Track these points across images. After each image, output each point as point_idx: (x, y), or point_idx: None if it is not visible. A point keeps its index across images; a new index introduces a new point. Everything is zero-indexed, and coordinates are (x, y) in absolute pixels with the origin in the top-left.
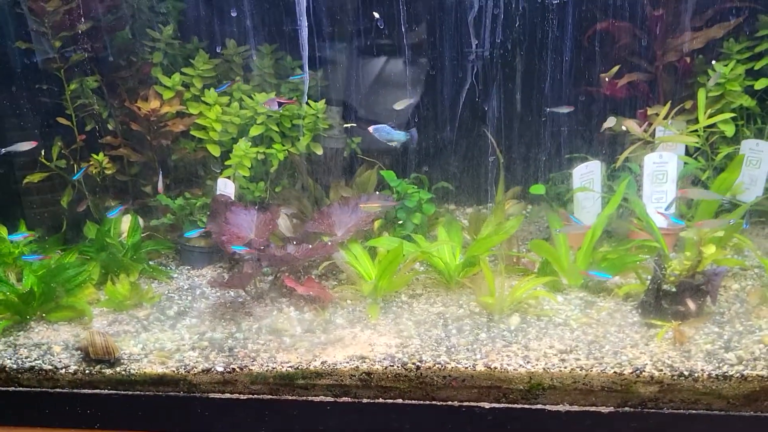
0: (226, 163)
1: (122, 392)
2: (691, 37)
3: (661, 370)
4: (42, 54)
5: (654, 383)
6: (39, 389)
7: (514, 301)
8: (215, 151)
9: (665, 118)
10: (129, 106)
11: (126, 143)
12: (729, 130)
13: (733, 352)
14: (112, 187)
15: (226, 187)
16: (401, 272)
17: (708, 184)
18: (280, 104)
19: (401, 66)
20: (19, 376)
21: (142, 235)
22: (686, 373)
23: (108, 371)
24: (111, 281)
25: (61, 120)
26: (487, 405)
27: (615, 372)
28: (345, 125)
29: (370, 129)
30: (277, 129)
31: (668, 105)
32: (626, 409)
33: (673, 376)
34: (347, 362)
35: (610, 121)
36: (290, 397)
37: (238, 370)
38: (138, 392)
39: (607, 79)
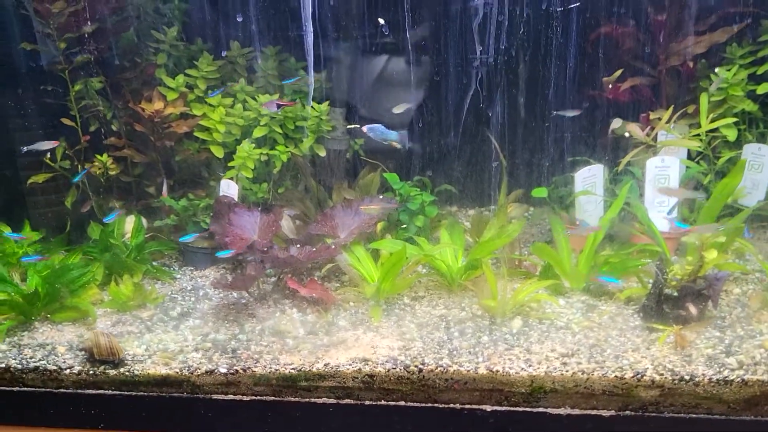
0: (230, 164)
1: (126, 393)
2: (695, 41)
3: (662, 375)
4: (47, 55)
5: (655, 387)
6: (43, 389)
7: (517, 304)
8: (219, 152)
9: (668, 122)
10: (133, 107)
11: (130, 144)
12: (731, 135)
13: (734, 357)
14: (115, 187)
15: (229, 188)
16: (404, 275)
17: (710, 188)
18: (279, 106)
19: (405, 69)
20: (24, 376)
21: (146, 236)
22: (687, 377)
23: (112, 372)
24: (114, 282)
25: (66, 121)
26: (488, 408)
27: (616, 376)
28: (348, 126)
29: (364, 128)
30: (280, 131)
31: (671, 109)
32: (627, 412)
33: (674, 380)
34: (350, 364)
35: (616, 122)
36: (293, 399)
37: (241, 371)
38: (142, 393)
39: (610, 85)
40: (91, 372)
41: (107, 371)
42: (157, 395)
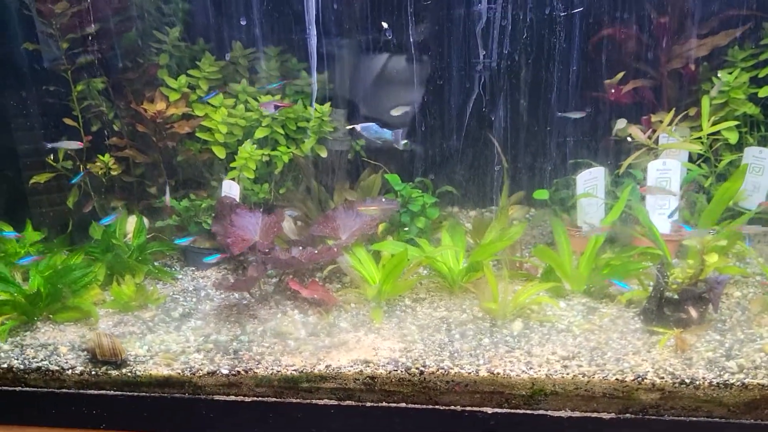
0: (231, 165)
1: (128, 393)
2: (697, 44)
3: (663, 378)
4: (49, 55)
5: (655, 390)
6: (45, 389)
7: (517, 306)
8: (221, 153)
9: (669, 124)
10: (135, 107)
11: (132, 144)
12: (733, 138)
13: (734, 361)
14: (117, 187)
15: (231, 188)
16: (405, 276)
17: (711, 191)
18: (276, 107)
19: (406, 71)
20: (26, 376)
21: (148, 236)
22: (687, 380)
23: (114, 372)
24: (116, 282)
25: (68, 121)
26: (489, 410)
27: (617, 379)
28: (348, 127)
29: (357, 127)
30: (282, 131)
31: (672, 112)
32: (628, 415)
33: (674, 383)
34: (351, 366)
35: (621, 123)
36: (294, 400)
37: (243, 372)
38: (143, 393)
39: (612, 90)
40: (93, 372)
41: (109, 372)
42: (158, 396)
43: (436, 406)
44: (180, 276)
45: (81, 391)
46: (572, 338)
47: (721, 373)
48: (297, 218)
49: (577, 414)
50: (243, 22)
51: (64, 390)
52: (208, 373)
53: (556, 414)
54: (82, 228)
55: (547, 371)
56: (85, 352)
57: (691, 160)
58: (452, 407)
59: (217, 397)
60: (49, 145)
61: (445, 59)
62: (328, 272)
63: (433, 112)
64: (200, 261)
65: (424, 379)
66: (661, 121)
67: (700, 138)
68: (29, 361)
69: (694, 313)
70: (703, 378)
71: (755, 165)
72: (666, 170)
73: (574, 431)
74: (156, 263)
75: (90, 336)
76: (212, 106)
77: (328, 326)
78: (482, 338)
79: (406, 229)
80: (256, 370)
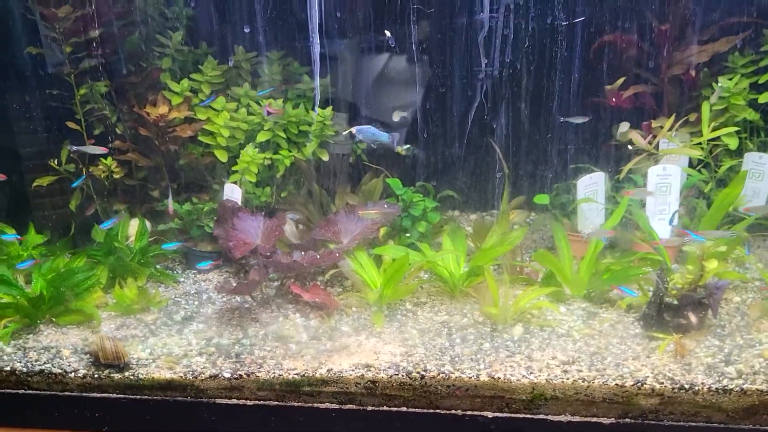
0: (234, 168)
1: (130, 396)
2: (697, 50)
3: (662, 383)
4: (52, 59)
5: (655, 395)
6: (48, 392)
7: (518, 311)
8: (223, 156)
9: (669, 130)
10: (138, 111)
11: (134, 148)
12: (732, 143)
13: (733, 366)
14: (120, 191)
15: (232, 192)
16: (406, 281)
17: (711, 197)
18: (269, 113)
19: (409, 76)
20: (29, 379)
21: (150, 239)
22: (687, 386)
23: (116, 376)
24: (119, 285)
25: (71, 124)
26: (490, 414)
27: (617, 384)
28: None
29: (353, 130)
30: (284, 135)
31: (672, 117)
32: (627, 420)
33: (673, 388)
34: (352, 370)
35: (624, 126)
36: (296, 404)
37: (245, 376)
38: (146, 396)
39: (613, 97)
40: (95, 375)
41: (112, 375)
42: (161, 399)
43: (437, 411)
44: (182, 279)
45: (83, 394)
46: (572, 343)
47: (720, 378)
48: (298, 222)
49: (577, 419)
50: (247, 30)
51: (66, 393)
52: (211, 377)
53: (556, 418)
54: (84, 231)
55: (548, 376)
56: (88, 355)
57: (691, 165)
58: (453, 411)
59: (219, 401)
60: (74, 149)
61: (447, 67)
62: (329, 276)
63: (435, 118)
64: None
65: (425, 383)
66: (661, 127)
67: (700, 143)
68: (32, 364)
69: (693, 318)
70: (702, 383)
71: (755, 170)
72: (666, 175)
73: None
74: (158, 266)
75: (93, 339)
76: (214, 110)
77: (329, 330)
78: (483, 343)
79: (408, 234)
80: (258, 374)
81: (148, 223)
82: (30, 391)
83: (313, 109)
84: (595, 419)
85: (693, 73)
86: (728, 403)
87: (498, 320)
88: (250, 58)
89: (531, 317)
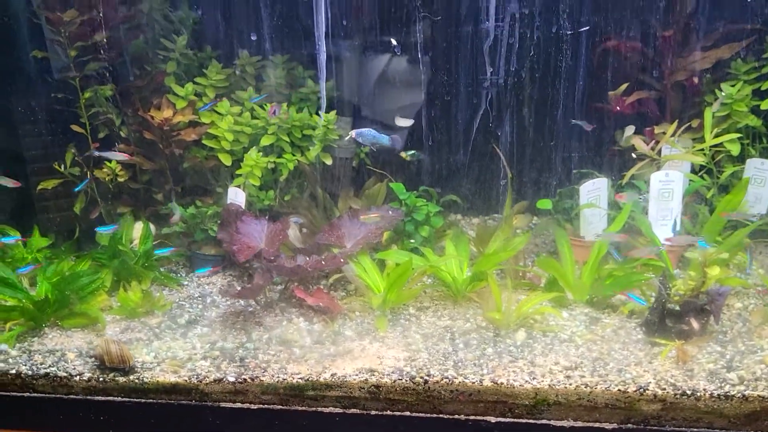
0: (237, 172)
1: (135, 400)
2: (700, 57)
3: (664, 389)
4: (58, 63)
5: (657, 401)
6: (53, 395)
7: (521, 316)
8: (227, 160)
9: (672, 136)
10: (142, 115)
11: (139, 151)
12: (735, 150)
13: (735, 372)
14: (124, 194)
15: (236, 196)
16: (409, 285)
17: (713, 202)
18: (273, 112)
19: (414, 81)
20: (34, 382)
21: (154, 242)
22: (689, 392)
23: (121, 379)
24: (123, 288)
25: (76, 128)
26: (492, 419)
27: (619, 390)
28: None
29: (352, 134)
30: (287, 139)
31: (675, 123)
32: (629, 425)
33: (675, 394)
34: (356, 375)
35: (629, 130)
36: (300, 408)
37: (249, 380)
38: (151, 400)
39: (618, 107)
40: (100, 379)
41: (117, 378)
42: (165, 402)
43: (440, 415)
44: (186, 282)
45: (88, 397)
46: (575, 348)
47: (722, 384)
48: (302, 225)
49: (579, 424)
50: (253, 37)
51: (71, 396)
52: (215, 381)
53: (559, 423)
54: (89, 234)
55: (550, 381)
56: (93, 359)
57: (693, 170)
58: (456, 416)
59: (223, 404)
60: (96, 153)
61: (453, 75)
62: (333, 280)
63: (440, 125)
64: (206, 267)
65: (429, 388)
66: (664, 133)
67: (702, 149)
68: (37, 367)
69: (695, 324)
70: (704, 389)
71: (757, 176)
72: (669, 181)
73: None
74: (162, 269)
75: (98, 342)
76: (218, 113)
77: (333, 334)
78: (486, 348)
79: (412, 240)
80: (262, 378)
81: (152, 226)
82: (35, 394)
83: (317, 113)
84: (597, 425)
85: (696, 79)
86: (730, 410)
87: (501, 325)
88: (254, 62)
89: (534, 322)
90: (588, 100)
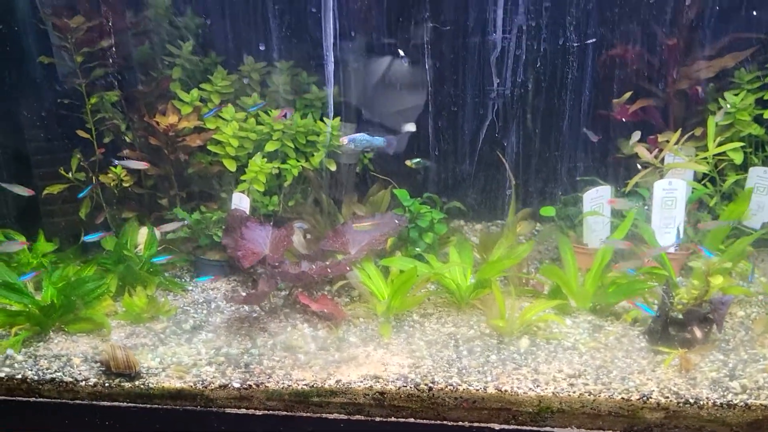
0: (242, 177)
1: (140, 405)
2: (704, 66)
3: (667, 397)
4: (64, 69)
5: (660, 409)
6: (59, 400)
7: (524, 323)
8: (231, 165)
9: (675, 144)
10: (148, 120)
11: (144, 157)
12: (738, 158)
13: (738, 381)
14: (129, 199)
15: (241, 201)
16: (413, 292)
17: (716, 210)
18: (285, 115)
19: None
20: (40, 387)
21: (158, 247)
22: (692, 400)
23: (127, 384)
24: (128, 294)
25: (81, 133)
26: (496, 426)
27: (622, 398)
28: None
29: (344, 140)
30: (292, 145)
31: (679, 132)
32: None
33: (678, 403)
34: (361, 381)
35: (636, 135)
36: (305, 414)
37: (254, 386)
38: (156, 405)
39: (620, 112)
40: (106, 384)
41: (122, 384)
42: (171, 408)
43: (444, 422)
44: (190, 287)
45: (94, 402)
46: (578, 356)
47: (725, 393)
48: (306, 231)
49: (582, 431)
50: (262, 47)
51: (77, 401)
52: (220, 387)
53: (563, 431)
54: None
55: (554, 389)
56: (99, 364)
57: (696, 178)
58: (460, 423)
59: (228, 410)
60: (116, 162)
61: (460, 86)
62: (338, 287)
63: (447, 135)
64: (211, 272)
65: (433, 395)
66: (667, 141)
67: (705, 158)
68: (43, 372)
69: (698, 333)
70: (707, 398)
71: (760, 185)
72: (672, 189)
73: None
74: (166, 274)
75: (104, 348)
76: (224, 119)
77: (337, 341)
78: (490, 355)
79: (418, 249)
80: (267, 384)
81: (157, 232)
82: (41, 399)
83: (321, 119)
84: None
85: (699, 88)
86: (732, 418)
87: (504, 332)
88: (259, 68)
89: (537, 330)
90: (592, 110)
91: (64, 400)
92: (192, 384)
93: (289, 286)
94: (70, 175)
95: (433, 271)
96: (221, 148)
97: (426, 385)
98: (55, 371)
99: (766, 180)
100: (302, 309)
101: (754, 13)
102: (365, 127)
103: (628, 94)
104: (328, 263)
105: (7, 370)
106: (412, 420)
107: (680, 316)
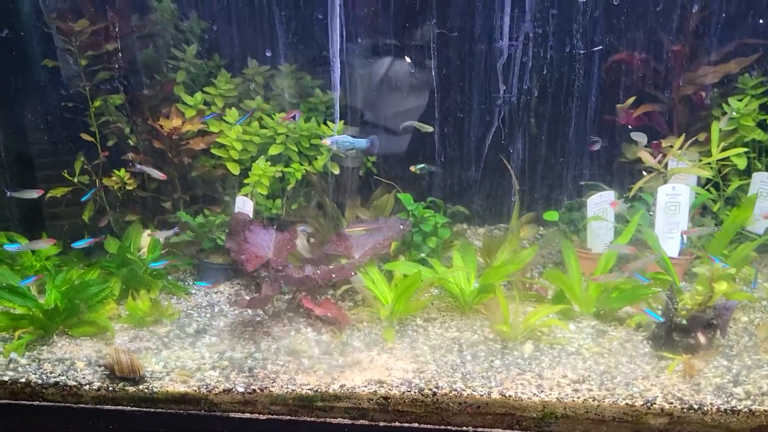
0: (245, 181)
1: (144, 409)
2: (709, 71)
3: (671, 403)
4: (68, 72)
5: (664, 415)
6: (63, 404)
7: (528, 328)
8: (235, 169)
9: (679, 149)
10: (152, 123)
11: (148, 160)
12: (741, 163)
13: (742, 387)
14: (133, 202)
15: (244, 204)
16: (417, 296)
17: (719, 215)
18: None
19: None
20: (44, 390)
21: (162, 251)
22: (695, 406)
23: (131, 389)
24: (132, 297)
25: (85, 136)
26: (501, 431)
27: (627, 403)
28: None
29: (326, 141)
30: (295, 148)
31: (682, 137)
32: None
33: (682, 408)
34: (365, 386)
35: (641, 138)
36: (308, 419)
37: (258, 391)
38: (160, 410)
39: (624, 117)
40: (110, 388)
41: (126, 388)
42: (175, 412)
43: (449, 427)
44: (193, 291)
45: (98, 406)
46: (582, 361)
47: (729, 399)
48: (310, 235)
49: None
50: (268, 54)
51: (81, 405)
52: (224, 391)
53: None
54: (97, 242)
55: (558, 395)
56: (102, 368)
57: (699, 183)
58: (464, 428)
59: (232, 414)
60: (138, 168)
61: (466, 93)
62: (341, 291)
63: (453, 141)
64: (214, 276)
65: (437, 400)
66: (671, 146)
67: (709, 163)
68: (47, 376)
69: (702, 338)
70: (711, 404)
71: (763, 190)
72: (675, 194)
73: None
74: (170, 277)
75: (107, 351)
76: (227, 123)
77: (341, 345)
78: (494, 360)
79: (422, 254)
80: (271, 389)
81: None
82: (45, 403)
83: (324, 122)
84: None
85: (703, 93)
86: (736, 424)
87: (508, 337)
88: (263, 71)
89: (541, 335)
90: (598, 116)
91: (67, 404)
92: (196, 388)
93: (292, 290)
94: (73, 178)
95: (437, 276)
96: (225, 151)
97: (430, 390)
98: (59, 375)
99: None
100: (306, 313)
101: (760, 21)
102: (370, 132)
103: (632, 99)
104: (332, 267)
105: (10, 373)
106: (416, 425)
107: (684, 322)
